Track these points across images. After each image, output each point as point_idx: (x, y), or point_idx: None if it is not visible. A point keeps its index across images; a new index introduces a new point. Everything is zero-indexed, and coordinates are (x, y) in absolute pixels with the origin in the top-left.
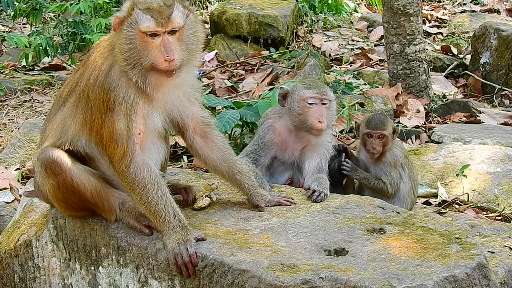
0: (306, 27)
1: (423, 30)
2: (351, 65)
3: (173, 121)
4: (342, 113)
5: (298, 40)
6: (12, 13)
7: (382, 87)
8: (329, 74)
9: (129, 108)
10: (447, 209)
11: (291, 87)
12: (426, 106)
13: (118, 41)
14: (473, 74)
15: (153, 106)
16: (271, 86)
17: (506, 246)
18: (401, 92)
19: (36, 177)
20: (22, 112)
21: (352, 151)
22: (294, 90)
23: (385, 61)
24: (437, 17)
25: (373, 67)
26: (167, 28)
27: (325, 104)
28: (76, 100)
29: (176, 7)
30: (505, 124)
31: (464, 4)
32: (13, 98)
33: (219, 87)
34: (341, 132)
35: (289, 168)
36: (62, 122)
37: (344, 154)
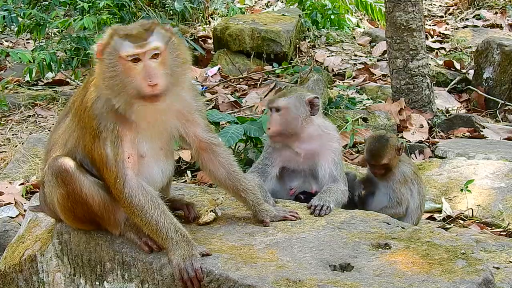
0: (308, 42)
1: (426, 45)
2: (354, 80)
3: (175, 138)
4: (346, 128)
5: (301, 55)
6: (16, 28)
7: (385, 102)
8: (332, 89)
9: (114, 136)
10: (452, 225)
11: None
12: (429, 121)
13: (99, 69)
14: (476, 89)
15: (140, 131)
16: None
17: (511, 262)
18: (404, 107)
19: (45, 187)
20: (26, 127)
21: (360, 172)
22: None
23: (388, 76)
24: (439, 32)
25: (376, 82)
26: (147, 50)
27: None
28: (73, 115)
29: (155, 30)
30: (508, 139)
31: (467, 19)
32: (17, 113)
33: (222, 102)
34: (344, 147)
35: (300, 176)
36: (64, 133)
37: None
